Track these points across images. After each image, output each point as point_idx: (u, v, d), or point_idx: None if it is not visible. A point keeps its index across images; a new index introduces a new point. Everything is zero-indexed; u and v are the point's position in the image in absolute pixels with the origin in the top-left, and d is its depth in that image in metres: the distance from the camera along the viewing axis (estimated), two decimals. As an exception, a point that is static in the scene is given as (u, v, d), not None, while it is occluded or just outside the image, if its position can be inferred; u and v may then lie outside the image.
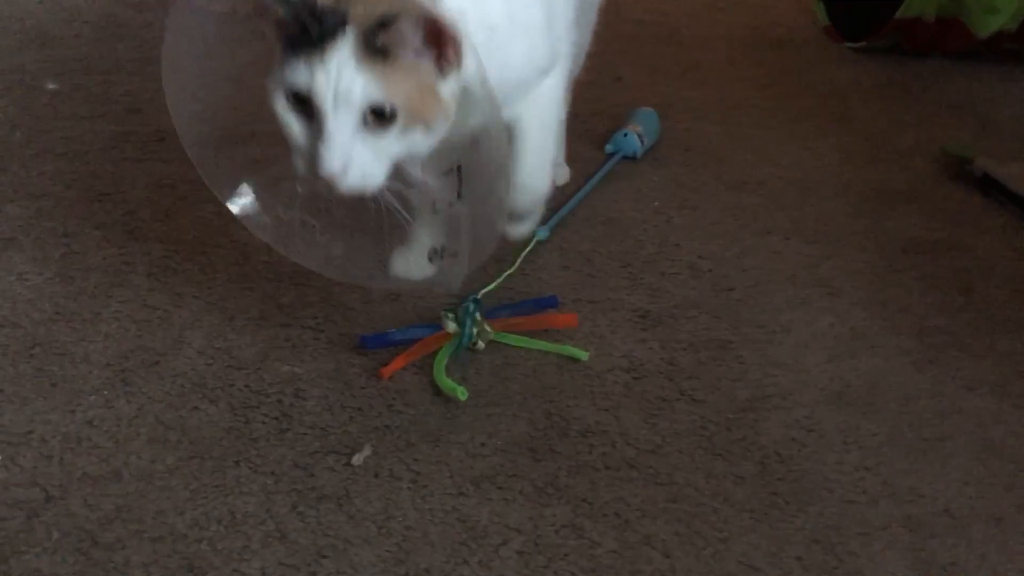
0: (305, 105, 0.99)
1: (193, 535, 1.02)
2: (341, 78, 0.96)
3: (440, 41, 1.00)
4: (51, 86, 1.96)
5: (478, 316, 1.31)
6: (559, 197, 1.71)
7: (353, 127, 0.98)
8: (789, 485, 1.15)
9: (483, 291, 1.38)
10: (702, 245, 1.62)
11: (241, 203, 1.21)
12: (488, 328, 1.31)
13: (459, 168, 1.19)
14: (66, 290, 1.36)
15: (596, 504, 1.10)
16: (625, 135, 1.87)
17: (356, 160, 0.99)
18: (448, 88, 1.03)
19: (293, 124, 1.01)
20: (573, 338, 1.36)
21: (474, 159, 1.17)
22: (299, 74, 0.97)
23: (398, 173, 1.06)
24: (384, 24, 0.96)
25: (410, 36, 0.98)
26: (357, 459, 1.11)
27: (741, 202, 1.78)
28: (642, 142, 1.88)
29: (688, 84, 2.32)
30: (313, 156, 0.99)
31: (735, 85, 2.34)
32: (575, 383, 1.28)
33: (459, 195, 1.21)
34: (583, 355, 1.32)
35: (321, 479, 1.10)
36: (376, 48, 0.97)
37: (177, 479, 1.08)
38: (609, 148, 1.88)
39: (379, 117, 0.98)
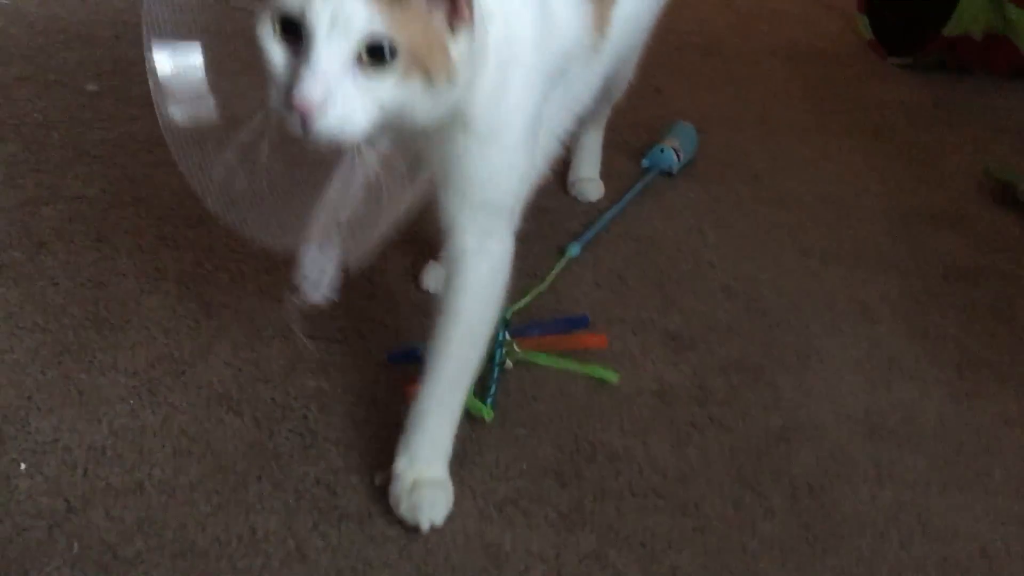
0: (294, 35, 0.86)
1: (214, 552, 1.01)
2: (343, 1, 0.84)
3: None
4: (91, 87, 1.97)
5: (507, 335, 1.29)
6: (592, 213, 1.69)
7: (345, 59, 0.84)
8: (820, 520, 1.12)
9: (513, 308, 1.36)
10: (737, 265, 1.59)
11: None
12: (516, 347, 1.29)
13: None
14: (96, 296, 1.36)
15: (621, 533, 1.08)
16: (662, 150, 1.85)
17: (339, 96, 0.85)
18: (457, 48, 0.91)
19: (276, 52, 0.87)
20: (603, 358, 1.34)
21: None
22: None
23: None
24: None
25: None
26: (379, 479, 1.10)
27: (778, 221, 1.75)
28: (678, 158, 1.85)
29: (728, 97, 2.29)
30: (291, 85, 0.84)
31: (776, 99, 2.31)
32: (603, 406, 1.26)
33: None
34: (613, 377, 1.30)
35: (344, 498, 1.09)
36: None
37: (199, 493, 1.07)
38: (645, 163, 1.86)
39: (376, 58, 0.85)
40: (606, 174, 1.77)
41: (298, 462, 1.13)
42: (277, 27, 0.86)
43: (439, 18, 0.90)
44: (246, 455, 1.13)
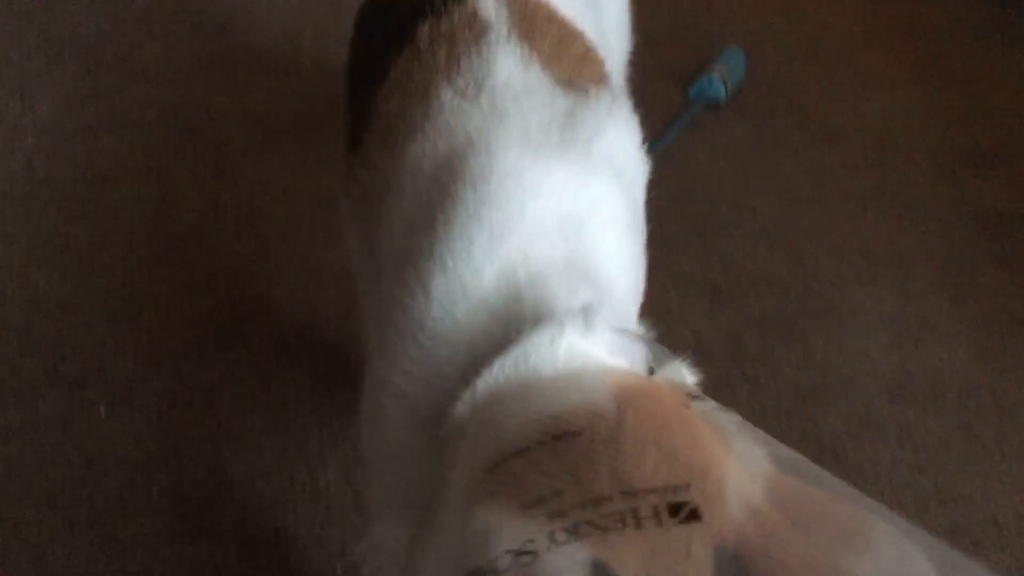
0: None
1: (279, 500, 1.10)
2: None
3: None
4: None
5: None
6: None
7: None
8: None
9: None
10: (778, 210, 1.62)
11: None
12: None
13: None
14: (157, 233, 1.43)
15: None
16: (710, 81, 1.84)
17: None
18: None
19: None
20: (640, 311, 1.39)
21: None
22: None
23: None
24: None
25: None
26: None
27: (823, 160, 1.76)
28: (726, 87, 1.84)
29: (781, 16, 2.24)
30: None
31: (830, 22, 2.26)
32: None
33: None
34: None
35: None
36: None
37: (265, 443, 1.16)
38: (692, 92, 1.85)
39: None
40: (650, 102, 1.78)
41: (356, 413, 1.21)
42: None
43: None
44: (307, 405, 1.21)
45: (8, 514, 1.10)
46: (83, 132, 1.59)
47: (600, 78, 0.84)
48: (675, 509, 0.48)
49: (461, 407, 0.59)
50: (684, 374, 0.65)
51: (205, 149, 1.59)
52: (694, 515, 0.48)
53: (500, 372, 0.59)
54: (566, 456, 0.52)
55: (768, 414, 1.27)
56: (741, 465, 0.52)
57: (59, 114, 1.61)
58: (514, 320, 0.63)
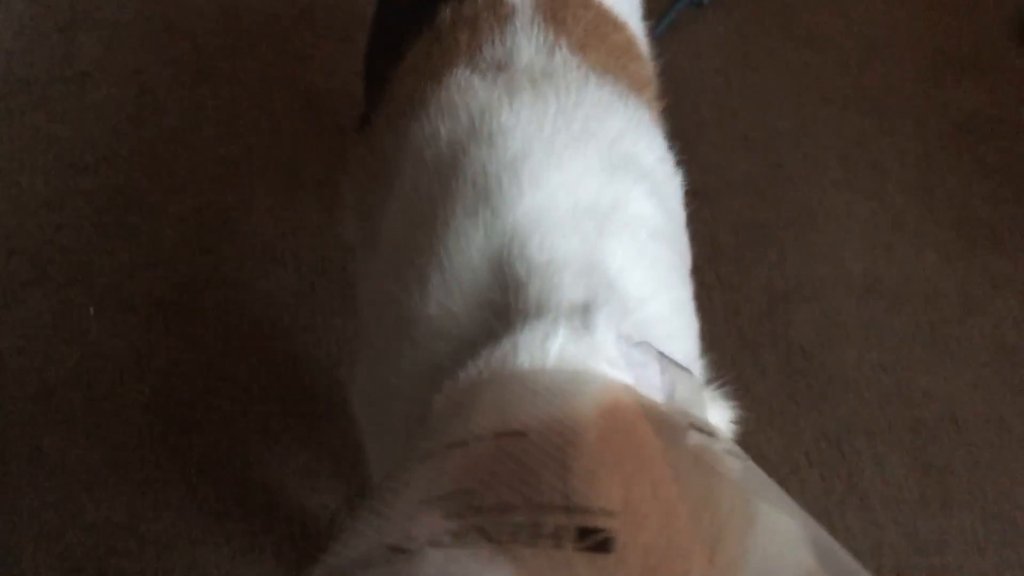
0: None
1: (267, 395, 1.14)
2: None
3: None
4: None
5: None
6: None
7: None
8: (808, 381, 1.24)
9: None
10: (759, 113, 1.63)
11: None
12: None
13: None
14: (140, 134, 1.43)
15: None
16: (694, -22, 1.82)
17: None
18: None
19: None
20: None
21: None
22: None
23: None
24: None
25: None
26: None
27: (805, 61, 1.76)
28: (710, -15, 1.83)
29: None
30: None
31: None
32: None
33: None
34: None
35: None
36: None
37: (252, 341, 1.20)
38: (676, -10, 1.84)
39: None
40: (635, 3, 1.76)
41: (338, 313, 1.24)
42: None
43: None
44: (291, 306, 1.24)
45: (3, 409, 1.13)
46: (60, 31, 1.57)
47: (642, 79, 0.79)
48: (584, 534, 0.41)
49: (440, 398, 0.55)
50: (716, 414, 0.59)
51: (185, 49, 1.57)
52: (604, 546, 0.41)
53: (485, 364, 0.54)
54: (497, 456, 0.47)
55: (742, 315, 1.31)
56: (767, 537, 0.44)
57: (34, 12, 1.59)
58: (517, 316, 0.58)
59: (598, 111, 0.69)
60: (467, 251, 0.61)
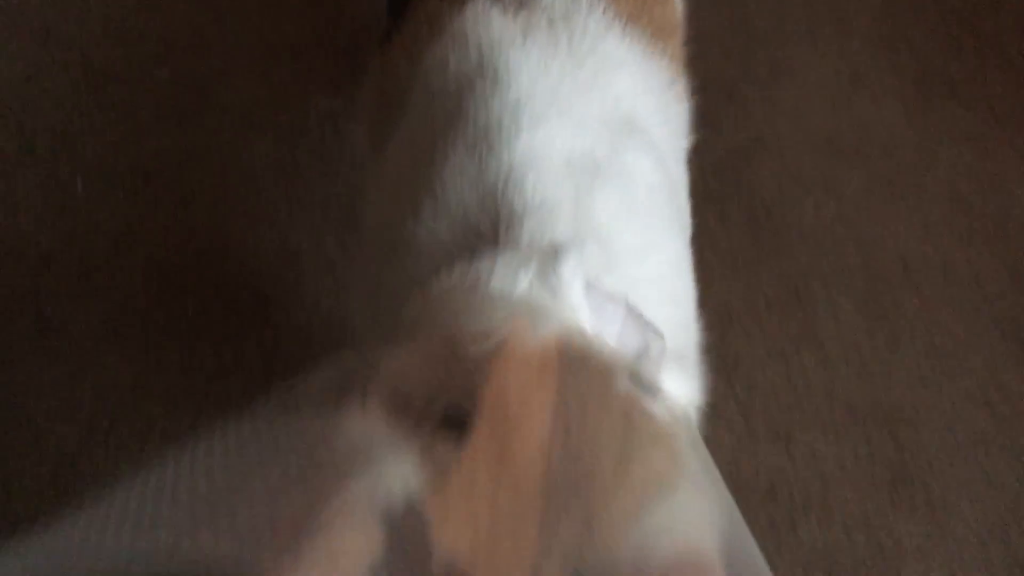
0: None
1: (258, 267, 1.20)
2: None
3: None
4: None
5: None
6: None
7: None
8: (770, 233, 1.31)
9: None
10: (726, -31, 1.64)
11: None
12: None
13: None
14: (110, 3, 1.43)
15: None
16: None
17: None
18: None
19: None
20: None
21: None
22: None
23: None
24: None
25: None
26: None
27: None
28: None
29: None
30: None
31: None
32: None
33: None
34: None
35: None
36: None
37: (238, 208, 1.25)
38: None
39: None
40: None
41: (320, 178, 1.29)
42: None
43: None
44: (273, 176, 1.29)
45: (4, 282, 1.19)
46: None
47: (668, 25, 0.77)
48: (447, 420, 0.45)
49: (410, 306, 0.57)
50: (677, 385, 0.59)
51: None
52: (457, 423, 0.45)
53: (458, 278, 0.56)
54: (417, 352, 0.49)
55: (706, 171, 1.36)
56: (673, 513, 0.45)
57: None
58: (501, 248, 0.58)
59: (610, 65, 0.68)
60: (461, 183, 0.61)
